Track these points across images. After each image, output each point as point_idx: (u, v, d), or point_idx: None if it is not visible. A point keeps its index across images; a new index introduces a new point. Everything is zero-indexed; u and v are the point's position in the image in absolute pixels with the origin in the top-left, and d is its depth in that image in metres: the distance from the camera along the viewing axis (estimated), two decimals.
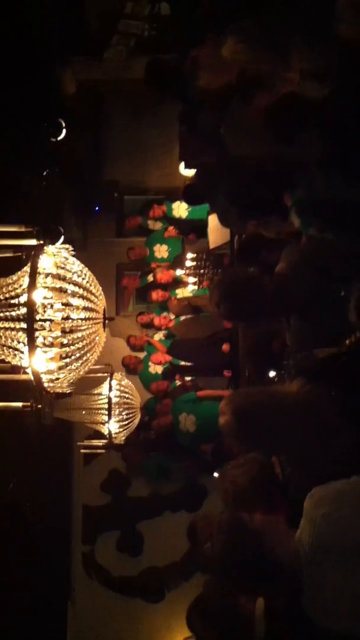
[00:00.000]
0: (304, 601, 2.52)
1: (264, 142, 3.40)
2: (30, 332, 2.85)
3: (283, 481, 3.18)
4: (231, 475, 3.40)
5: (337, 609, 2.43)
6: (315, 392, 3.00)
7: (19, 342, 2.91)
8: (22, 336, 2.89)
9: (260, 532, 2.60)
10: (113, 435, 5.12)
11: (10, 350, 2.97)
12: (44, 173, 7.23)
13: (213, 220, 7.10)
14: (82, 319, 3.02)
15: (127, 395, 5.22)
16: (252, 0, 3.50)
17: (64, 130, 7.47)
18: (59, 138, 7.47)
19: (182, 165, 7.57)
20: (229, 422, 2.99)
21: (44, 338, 2.91)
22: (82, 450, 6.35)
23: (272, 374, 4.30)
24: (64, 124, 7.47)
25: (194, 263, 7.85)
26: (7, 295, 2.96)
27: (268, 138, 3.34)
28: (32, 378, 2.98)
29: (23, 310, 2.87)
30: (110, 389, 5.07)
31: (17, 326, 2.89)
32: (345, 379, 3.13)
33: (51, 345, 2.94)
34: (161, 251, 8.52)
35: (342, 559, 2.42)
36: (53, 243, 3.20)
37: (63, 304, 2.99)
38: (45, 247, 3.08)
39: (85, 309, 3.04)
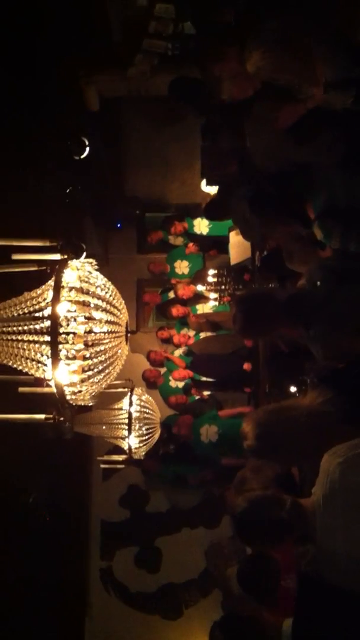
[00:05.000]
0: (316, 556, 2.51)
1: (287, 150, 3.41)
2: (53, 345, 2.86)
3: (299, 481, 3.19)
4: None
5: (345, 560, 2.39)
6: (329, 402, 3.01)
7: (42, 354, 2.93)
8: (46, 349, 2.90)
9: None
10: (133, 450, 5.11)
11: (34, 362, 2.99)
12: (67, 190, 7.31)
13: (234, 236, 7.13)
14: (104, 333, 3.03)
15: (147, 411, 5.21)
16: (273, 13, 3.50)
17: (87, 149, 7.56)
18: (82, 156, 7.55)
19: (203, 182, 7.61)
20: (253, 446, 3.05)
21: (67, 351, 2.92)
22: (101, 465, 6.34)
23: (293, 389, 4.28)
24: (87, 142, 7.55)
25: (215, 279, 7.86)
26: (32, 309, 2.98)
27: (291, 145, 3.35)
28: (55, 390, 2.99)
29: (47, 323, 2.89)
30: (130, 404, 5.07)
31: (41, 339, 2.91)
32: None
33: (74, 358, 2.95)
34: (182, 267, 8.56)
35: (351, 506, 2.39)
36: (76, 258, 3.22)
37: (86, 317, 3.00)
38: (69, 261, 3.10)
39: (108, 322, 3.05)
